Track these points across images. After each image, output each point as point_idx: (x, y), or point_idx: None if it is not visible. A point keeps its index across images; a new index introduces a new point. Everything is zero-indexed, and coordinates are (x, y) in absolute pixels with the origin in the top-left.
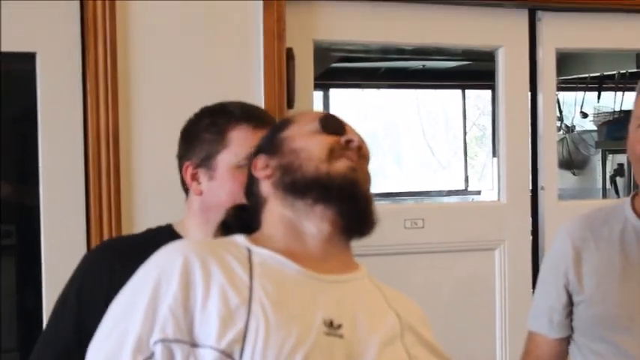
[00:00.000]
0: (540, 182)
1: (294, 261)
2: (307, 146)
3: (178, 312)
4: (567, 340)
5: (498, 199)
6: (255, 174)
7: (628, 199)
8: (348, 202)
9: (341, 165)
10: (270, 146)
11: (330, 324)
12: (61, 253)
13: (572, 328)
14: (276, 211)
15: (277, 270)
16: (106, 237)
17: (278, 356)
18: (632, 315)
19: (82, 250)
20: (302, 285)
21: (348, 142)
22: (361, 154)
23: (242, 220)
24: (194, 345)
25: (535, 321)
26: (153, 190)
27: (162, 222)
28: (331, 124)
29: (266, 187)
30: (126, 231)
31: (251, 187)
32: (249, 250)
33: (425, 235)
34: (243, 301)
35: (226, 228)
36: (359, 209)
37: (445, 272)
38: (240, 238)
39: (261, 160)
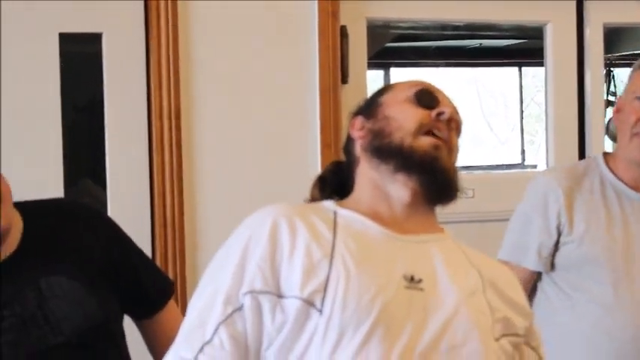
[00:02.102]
0: (587, 154)
1: (379, 223)
2: (399, 115)
3: (265, 267)
4: (539, 276)
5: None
6: (351, 133)
7: (600, 158)
8: (427, 175)
9: (425, 141)
10: (368, 109)
11: (411, 279)
12: (125, 226)
13: (552, 265)
14: (365, 172)
15: (360, 230)
16: (168, 210)
17: (357, 305)
18: (614, 265)
19: (147, 223)
20: (383, 243)
21: (439, 114)
22: (451, 126)
23: (338, 175)
24: (280, 296)
25: (516, 254)
26: (213, 167)
27: (220, 197)
28: (425, 97)
29: (359, 148)
30: (188, 207)
31: (348, 145)
32: (334, 213)
33: (475, 205)
34: (326, 255)
35: (323, 182)
36: (438, 182)
37: (494, 241)
38: (328, 203)
39: (358, 121)
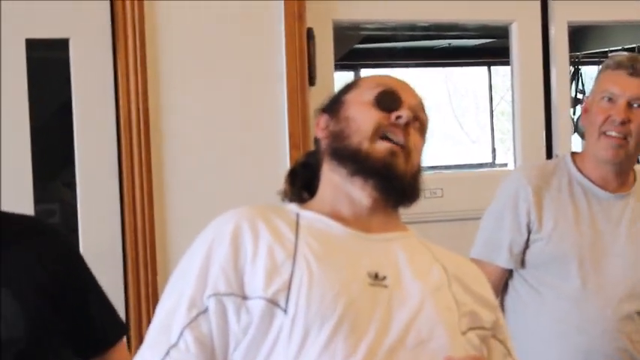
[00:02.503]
0: (555, 151)
1: (342, 222)
2: (358, 116)
3: (229, 269)
4: (510, 273)
5: (515, 167)
6: (316, 132)
7: (568, 157)
8: (383, 180)
9: (381, 146)
10: (332, 106)
11: (376, 276)
12: (96, 230)
13: (523, 262)
14: (327, 173)
15: (323, 230)
16: (138, 213)
17: (321, 303)
18: (581, 261)
19: (117, 227)
20: (346, 242)
21: (397, 117)
22: (409, 130)
23: (309, 169)
24: (244, 297)
25: (488, 252)
26: (182, 170)
27: (190, 198)
28: (386, 100)
29: (323, 146)
30: (157, 209)
31: (316, 142)
32: (297, 215)
33: (444, 204)
34: (289, 256)
35: (293, 176)
36: (394, 187)
37: (462, 240)
38: (291, 205)
39: (323, 120)
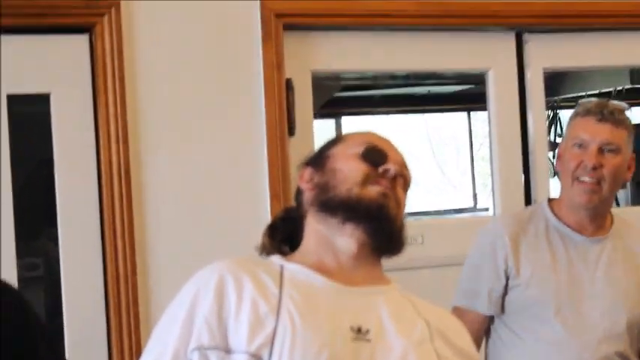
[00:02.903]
0: (533, 196)
1: (325, 274)
2: (345, 169)
3: (213, 322)
4: (492, 319)
5: (494, 212)
6: (300, 185)
7: (545, 203)
8: (374, 223)
9: (373, 189)
10: (317, 160)
11: (359, 330)
12: (79, 281)
13: (503, 308)
14: (312, 225)
15: (306, 282)
16: (120, 264)
17: (304, 358)
18: (559, 305)
19: (99, 279)
20: (330, 295)
21: (385, 171)
22: (395, 183)
23: (288, 223)
24: (227, 351)
25: (468, 300)
26: (163, 220)
27: (171, 248)
28: (373, 155)
29: (307, 200)
30: (139, 259)
31: (298, 195)
32: (281, 267)
33: (424, 250)
34: (272, 310)
35: (273, 230)
36: (385, 230)
37: (444, 285)
38: (275, 257)
39: (307, 173)
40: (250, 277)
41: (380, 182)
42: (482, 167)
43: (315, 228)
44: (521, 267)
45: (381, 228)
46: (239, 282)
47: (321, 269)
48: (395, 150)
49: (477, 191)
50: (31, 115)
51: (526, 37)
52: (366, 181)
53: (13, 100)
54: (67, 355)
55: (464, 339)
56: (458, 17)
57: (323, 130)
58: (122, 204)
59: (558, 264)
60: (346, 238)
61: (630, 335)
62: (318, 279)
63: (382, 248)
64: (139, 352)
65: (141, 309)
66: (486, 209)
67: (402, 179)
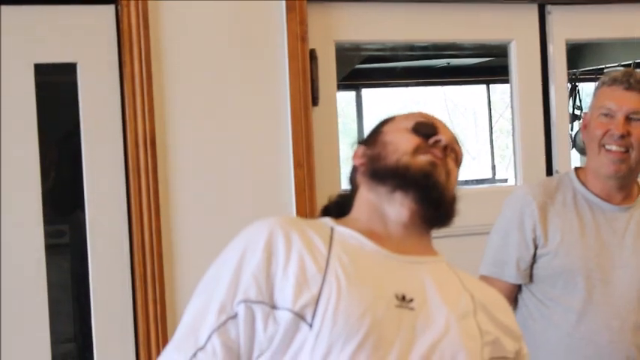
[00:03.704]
0: (555, 166)
1: (375, 241)
2: (396, 140)
3: (260, 277)
4: (520, 288)
5: (515, 183)
6: (353, 162)
7: (572, 172)
8: (423, 190)
9: (422, 159)
10: (370, 138)
11: (403, 298)
12: (105, 251)
13: (531, 277)
14: (364, 196)
15: (355, 247)
16: (146, 235)
17: (346, 322)
18: (588, 273)
19: (125, 248)
20: (377, 261)
21: (437, 141)
22: (446, 154)
23: (341, 206)
24: (273, 307)
25: (496, 269)
26: (189, 191)
27: (197, 219)
28: (424, 128)
29: (360, 174)
30: (164, 228)
31: (351, 174)
32: (332, 229)
33: None
34: (320, 270)
35: (327, 213)
36: (434, 198)
37: (468, 255)
38: (326, 219)
39: (360, 150)
40: (300, 235)
41: (431, 152)
42: (501, 139)
43: (367, 197)
44: (550, 235)
45: (430, 196)
46: (288, 239)
47: (370, 235)
48: (445, 126)
49: (495, 163)
50: (59, 85)
51: (549, 8)
52: (416, 151)
53: (40, 69)
54: (92, 322)
55: (508, 315)
56: None
57: (344, 102)
58: (148, 174)
59: (586, 232)
60: (396, 207)
61: None
62: (367, 244)
63: (431, 217)
64: (163, 319)
65: (166, 277)
66: (505, 180)
67: (453, 153)
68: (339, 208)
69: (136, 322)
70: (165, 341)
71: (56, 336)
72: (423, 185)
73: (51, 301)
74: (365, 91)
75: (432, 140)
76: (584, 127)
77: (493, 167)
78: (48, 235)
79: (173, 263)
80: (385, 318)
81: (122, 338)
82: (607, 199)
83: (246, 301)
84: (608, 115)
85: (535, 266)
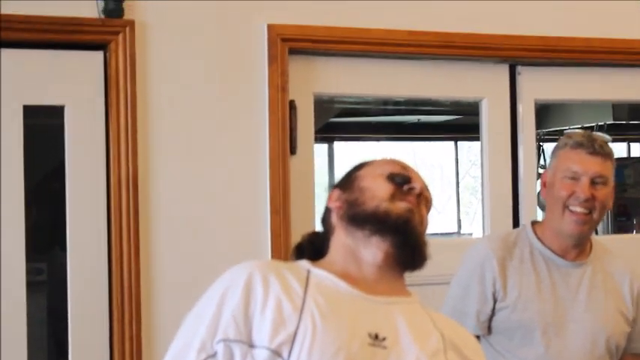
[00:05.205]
0: (522, 222)
1: (349, 283)
2: (373, 187)
3: (239, 317)
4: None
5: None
6: (328, 205)
7: (529, 227)
8: (401, 236)
9: (400, 205)
10: (344, 182)
11: (376, 337)
12: (84, 289)
13: (489, 329)
14: (340, 239)
15: (331, 288)
16: (125, 275)
17: (321, 358)
18: (544, 328)
19: (104, 287)
20: (352, 302)
21: (411, 188)
22: (420, 200)
23: (314, 245)
24: (251, 345)
25: (456, 319)
26: (169, 232)
27: (176, 261)
28: (397, 177)
29: (335, 217)
30: (143, 269)
31: (325, 216)
32: (308, 271)
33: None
34: (296, 310)
35: (300, 251)
36: (410, 244)
37: (430, 303)
38: (303, 262)
39: (335, 193)
40: (277, 277)
41: (406, 199)
42: (465, 197)
43: (343, 241)
44: (508, 290)
45: (407, 241)
46: (266, 281)
47: (345, 277)
48: (416, 174)
49: (460, 217)
50: (45, 127)
51: (519, 69)
52: (393, 197)
53: (28, 111)
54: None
55: (477, 354)
56: (454, 48)
57: (316, 154)
58: (129, 215)
59: (543, 287)
60: (372, 250)
61: (610, 356)
62: (342, 285)
63: (406, 261)
64: (139, 358)
65: (143, 317)
66: (470, 234)
67: (424, 200)
68: (311, 246)
69: (112, 359)
70: None
71: None
72: (402, 231)
73: (28, 337)
74: (337, 144)
75: (406, 187)
76: (544, 186)
77: (459, 221)
78: (26, 272)
79: (151, 302)
80: (358, 355)
81: None
82: (562, 255)
83: (225, 340)
84: (574, 178)
85: (494, 319)
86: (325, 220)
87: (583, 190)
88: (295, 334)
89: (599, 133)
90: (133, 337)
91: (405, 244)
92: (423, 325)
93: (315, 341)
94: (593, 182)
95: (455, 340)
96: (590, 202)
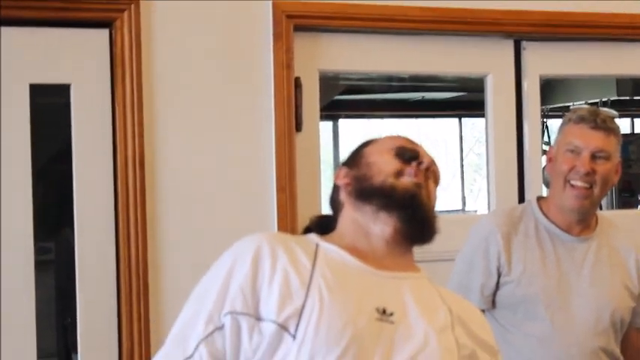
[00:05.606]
0: (527, 199)
1: (358, 257)
2: (380, 162)
3: (247, 290)
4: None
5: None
6: (336, 182)
7: (534, 203)
8: (407, 210)
9: (406, 180)
10: (352, 159)
11: (383, 312)
12: (92, 268)
13: (494, 303)
14: (349, 214)
15: (339, 262)
16: (132, 253)
17: (328, 333)
18: (549, 302)
19: (112, 265)
20: (360, 277)
21: (419, 163)
22: (428, 174)
23: (323, 227)
24: (258, 318)
25: (461, 293)
26: (175, 211)
27: (182, 239)
28: (405, 152)
29: (343, 194)
30: (151, 247)
31: (333, 193)
32: (317, 245)
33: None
34: (303, 284)
35: (308, 232)
36: (418, 218)
37: (436, 280)
38: (312, 236)
39: (342, 171)
40: (285, 250)
41: (413, 174)
42: (469, 174)
43: (352, 215)
44: (513, 265)
45: (414, 216)
46: (274, 254)
47: (354, 252)
48: (424, 149)
49: (465, 194)
50: (52, 106)
51: (524, 44)
52: (400, 173)
53: (35, 90)
54: (78, 337)
55: (485, 330)
56: (459, 23)
57: (321, 131)
58: (136, 193)
59: (547, 262)
60: (380, 225)
61: (614, 330)
62: (351, 260)
63: (414, 235)
64: (147, 336)
65: (151, 294)
66: (475, 211)
67: (432, 174)
68: (320, 229)
69: (120, 337)
70: (149, 356)
71: (38, 351)
72: (408, 205)
73: (36, 316)
74: (342, 122)
75: (414, 163)
76: (549, 161)
77: (463, 198)
78: (34, 251)
79: (158, 281)
80: (366, 330)
81: (107, 353)
82: (567, 230)
83: (232, 312)
84: (575, 152)
85: (498, 293)
86: (333, 198)
87: (583, 164)
88: (302, 308)
89: (606, 109)
90: (140, 315)
91: (413, 218)
92: (431, 300)
93: (323, 316)
94: (594, 157)
95: (462, 316)
96: (590, 177)
